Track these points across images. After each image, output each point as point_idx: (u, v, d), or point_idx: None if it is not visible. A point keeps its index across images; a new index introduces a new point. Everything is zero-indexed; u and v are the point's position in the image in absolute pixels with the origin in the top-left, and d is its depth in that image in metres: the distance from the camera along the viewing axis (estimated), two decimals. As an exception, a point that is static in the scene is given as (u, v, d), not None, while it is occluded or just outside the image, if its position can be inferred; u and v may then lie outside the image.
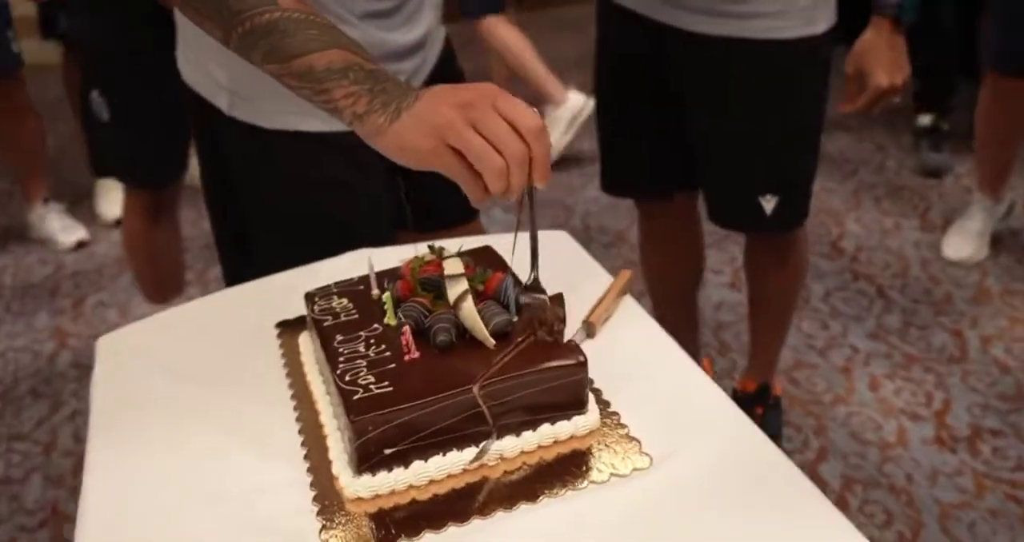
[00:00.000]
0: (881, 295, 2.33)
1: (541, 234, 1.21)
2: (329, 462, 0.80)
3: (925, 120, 2.92)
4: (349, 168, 1.19)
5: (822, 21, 1.43)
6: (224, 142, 1.19)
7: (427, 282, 0.86)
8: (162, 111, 1.79)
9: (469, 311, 0.81)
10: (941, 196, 2.77)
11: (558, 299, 0.92)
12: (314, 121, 1.10)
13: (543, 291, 0.83)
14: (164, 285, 2.15)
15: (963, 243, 2.42)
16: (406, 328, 0.81)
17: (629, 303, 1.00)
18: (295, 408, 0.88)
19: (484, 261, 0.91)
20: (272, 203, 1.21)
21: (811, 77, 1.49)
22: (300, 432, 0.85)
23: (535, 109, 0.74)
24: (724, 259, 2.49)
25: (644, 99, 1.58)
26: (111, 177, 2.18)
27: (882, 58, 1.40)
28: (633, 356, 0.91)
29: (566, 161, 3.17)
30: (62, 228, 2.81)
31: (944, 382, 2.01)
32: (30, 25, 2.78)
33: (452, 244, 0.96)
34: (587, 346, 0.93)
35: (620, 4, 1.51)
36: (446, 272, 0.83)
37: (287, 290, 1.03)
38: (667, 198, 1.73)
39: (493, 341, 0.80)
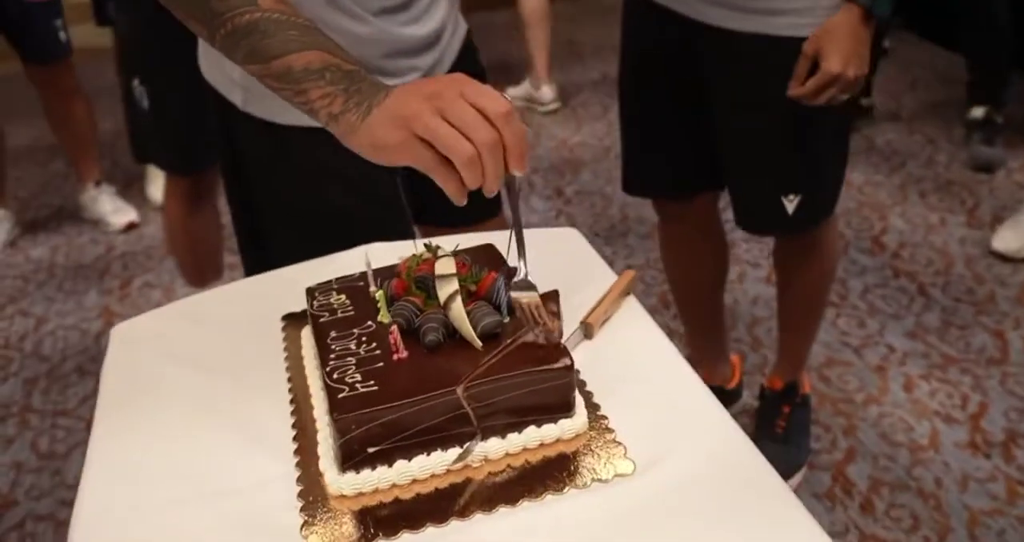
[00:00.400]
0: (922, 293, 2.27)
1: (551, 231, 1.21)
2: (318, 458, 0.81)
3: (978, 113, 2.83)
4: (365, 162, 1.19)
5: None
6: (239, 137, 1.20)
7: (421, 281, 0.86)
8: (199, 99, 1.81)
9: (458, 312, 0.80)
10: (992, 191, 2.68)
11: (552, 296, 0.91)
12: None
13: (532, 287, 0.82)
14: (203, 269, 2.19)
15: (1014, 237, 2.34)
16: (394, 328, 0.81)
17: (631, 304, 0.99)
18: (291, 402, 0.89)
19: (482, 259, 0.91)
20: (288, 199, 1.22)
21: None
22: (294, 426, 0.86)
23: (504, 94, 0.73)
24: (762, 253, 2.45)
25: (667, 95, 1.55)
26: (152, 163, 2.23)
27: (842, 45, 1.30)
28: (629, 359, 0.90)
29: (606, 151, 3.15)
30: (113, 210, 2.89)
31: (982, 384, 1.95)
32: (85, 10, 2.85)
33: (454, 241, 0.96)
34: (584, 347, 0.93)
35: (652, 3, 1.47)
36: (437, 272, 0.83)
37: (298, 282, 1.03)
38: (688, 199, 1.69)
39: (480, 343, 0.80)
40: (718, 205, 1.75)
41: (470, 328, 0.80)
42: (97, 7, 2.97)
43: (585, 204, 2.84)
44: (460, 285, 0.83)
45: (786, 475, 1.61)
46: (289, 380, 0.92)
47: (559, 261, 1.07)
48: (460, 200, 0.75)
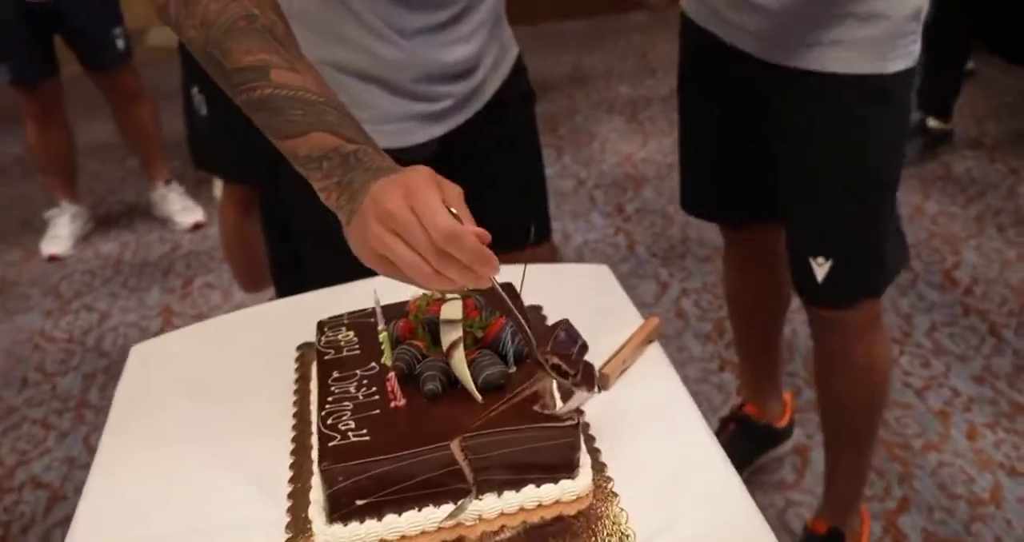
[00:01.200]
0: (993, 334, 2.14)
1: (581, 267, 1.16)
2: (309, 504, 0.78)
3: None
4: None
5: (896, 60, 1.22)
6: (275, 161, 1.19)
7: (428, 323, 0.82)
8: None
9: (459, 361, 0.76)
10: (1077, 228, 2.52)
11: (565, 325, 0.85)
12: None
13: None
14: (257, 276, 2.20)
15: None
16: (391, 375, 0.77)
17: (655, 352, 0.93)
18: (293, 440, 0.86)
19: (496, 301, 0.86)
20: (323, 221, 1.20)
21: (875, 121, 1.25)
22: (291, 467, 0.83)
23: (453, 209, 0.69)
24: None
25: (719, 121, 1.45)
26: (209, 170, 2.26)
27: None
28: (644, 414, 0.85)
29: (670, 168, 3.07)
30: (181, 209, 2.94)
31: (1053, 437, 1.83)
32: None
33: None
34: (599, 398, 0.87)
35: (695, 21, 1.39)
36: (442, 316, 0.79)
37: (321, 309, 1.00)
38: (746, 226, 1.60)
39: (480, 396, 0.76)
40: (781, 236, 1.65)
41: (470, 379, 0.76)
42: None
43: (645, 222, 2.77)
44: (466, 331, 0.79)
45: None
46: (295, 416, 0.89)
47: (585, 301, 1.02)
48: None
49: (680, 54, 1.51)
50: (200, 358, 1.00)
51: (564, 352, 0.73)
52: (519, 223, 1.32)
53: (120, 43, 2.67)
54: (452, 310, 0.80)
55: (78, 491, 1.91)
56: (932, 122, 2.92)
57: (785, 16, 1.22)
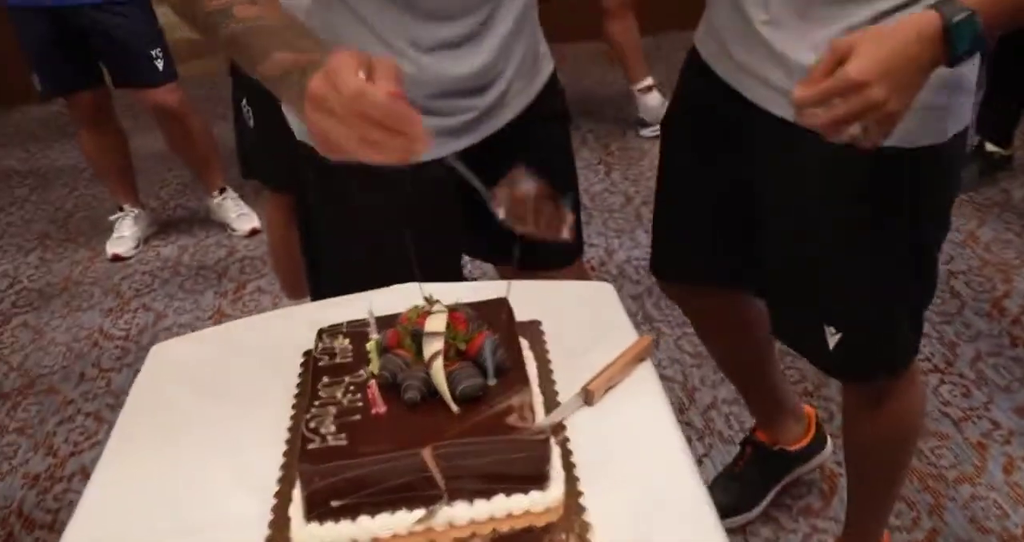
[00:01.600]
0: (1040, 366, 2.07)
1: (586, 284, 1.17)
2: (291, 503, 0.81)
3: None
4: (414, 198, 1.19)
5: (927, 134, 1.07)
6: (301, 166, 1.23)
7: (415, 334, 0.84)
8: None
9: (437, 372, 0.79)
10: None
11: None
12: None
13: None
14: (301, 284, 2.26)
15: None
16: (373, 382, 0.80)
17: (646, 371, 0.94)
18: (287, 442, 0.90)
19: (486, 315, 0.89)
20: (337, 230, 1.24)
21: (898, 193, 1.12)
22: (281, 468, 0.87)
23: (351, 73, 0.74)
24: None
25: (708, 174, 1.29)
26: (256, 179, 2.33)
27: (893, 55, 0.87)
28: (626, 432, 0.86)
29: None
30: (237, 216, 3.03)
31: (1094, 474, 1.76)
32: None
33: (462, 292, 0.94)
34: (583, 414, 0.89)
35: (704, 58, 1.24)
36: (425, 328, 0.82)
37: (332, 317, 1.04)
38: (717, 295, 1.44)
39: (456, 407, 0.78)
40: (746, 306, 1.47)
41: (447, 390, 0.78)
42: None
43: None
44: (450, 343, 0.82)
45: None
46: (291, 419, 0.93)
47: (584, 317, 1.04)
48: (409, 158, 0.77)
49: (677, 87, 1.34)
50: (214, 362, 1.05)
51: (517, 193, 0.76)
52: (547, 243, 1.33)
53: (160, 63, 2.72)
54: (435, 323, 0.82)
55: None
56: (991, 147, 2.85)
57: None
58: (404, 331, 0.85)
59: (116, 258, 2.95)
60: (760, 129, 1.14)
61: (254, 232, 3.03)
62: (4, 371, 2.46)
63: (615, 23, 3.25)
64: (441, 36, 1.11)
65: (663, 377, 2.04)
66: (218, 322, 2.61)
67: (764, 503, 1.75)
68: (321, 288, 1.29)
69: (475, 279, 2.35)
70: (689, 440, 1.89)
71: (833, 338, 1.19)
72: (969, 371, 2.07)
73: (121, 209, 3.02)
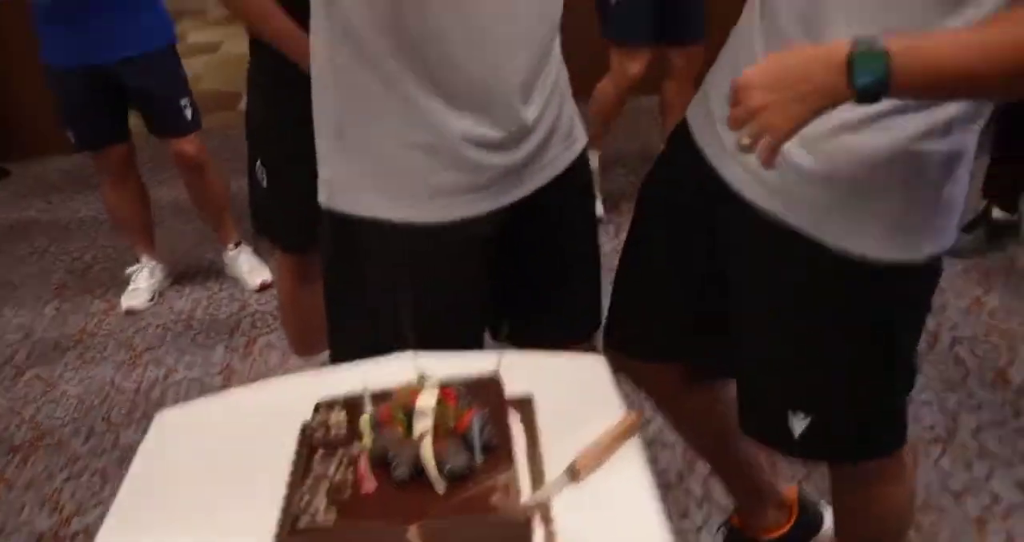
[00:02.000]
0: (1043, 437, 2.07)
1: (576, 357, 1.20)
2: (282, 576, 0.83)
3: None
4: (437, 259, 1.22)
5: (898, 250, 1.07)
6: (325, 230, 1.28)
7: (406, 411, 0.87)
8: (309, 182, 1.92)
9: (426, 450, 0.82)
10: None
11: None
12: (403, 210, 1.17)
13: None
14: (310, 342, 2.30)
15: None
16: (363, 460, 0.83)
17: (632, 449, 0.96)
18: (282, 511, 0.92)
19: (477, 392, 0.92)
20: (352, 290, 1.27)
21: (867, 303, 1.11)
22: (276, 538, 0.89)
23: None
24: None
25: (681, 249, 1.27)
26: (268, 238, 2.38)
27: (782, 69, 0.88)
28: (610, 514, 0.88)
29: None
30: (249, 270, 3.08)
31: (1099, 552, 1.75)
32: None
33: (465, 362, 0.97)
34: (568, 491, 0.91)
35: (693, 134, 1.22)
36: (417, 406, 0.85)
37: (334, 385, 1.06)
38: (674, 371, 1.40)
39: (442, 486, 0.80)
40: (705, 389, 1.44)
41: (434, 469, 0.81)
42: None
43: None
44: (440, 420, 0.84)
45: None
46: (287, 488, 0.95)
47: (575, 390, 1.07)
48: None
49: (662, 154, 1.33)
50: (216, 429, 1.08)
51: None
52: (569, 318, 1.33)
53: (188, 113, 2.83)
54: (426, 399, 0.85)
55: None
56: (997, 212, 2.87)
57: (817, 179, 1.05)
58: (396, 407, 0.88)
59: (130, 312, 3.00)
60: (735, 217, 1.14)
61: (264, 286, 3.07)
62: (16, 423, 2.50)
63: (674, 84, 3.24)
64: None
65: (662, 444, 2.06)
66: (227, 378, 2.64)
67: None
68: (338, 347, 1.31)
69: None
70: (687, 509, 1.91)
71: (800, 424, 1.17)
72: (971, 441, 2.06)
73: (138, 260, 3.08)
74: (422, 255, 1.22)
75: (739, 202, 1.12)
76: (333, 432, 0.91)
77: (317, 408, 0.96)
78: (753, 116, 0.88)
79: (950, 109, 1.00)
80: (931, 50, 0.86)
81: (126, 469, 2.39)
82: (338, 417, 0.94)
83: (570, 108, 1.30)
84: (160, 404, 2.54)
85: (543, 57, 1.18)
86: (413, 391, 0.89)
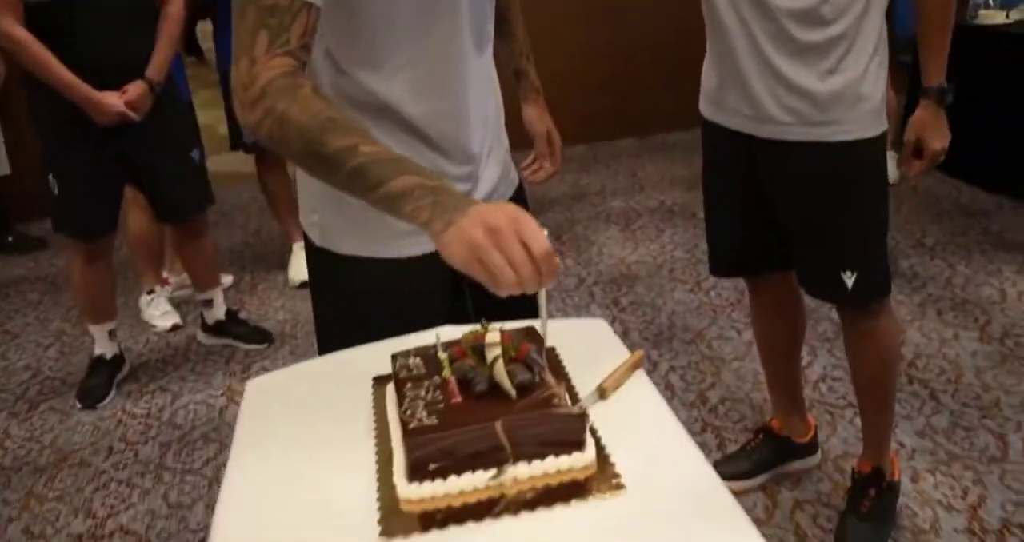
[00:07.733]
0: (933, 398, 2.36)
1: (583, 321, 1.41)
2: (392, 475, 1.01)
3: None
4: (413, 284, 1.34)
5: (873, 128, 1.65)
6: (316, 267, 1.40)
7: (475, 348, 1.07)
8: (93, 183, 2.57)
9: (499, 370, 1.01)
10: (1003, 310, 2.77)
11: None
12: (382, 248, 1.31)
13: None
14: (98, 310, 2.83)
15: None
16: (451, 379, 1.02)
17: (641, 377, 1.18)
18: (376, 436, 1.10)
19: (523, 335, 1.12)
20: (344, 317, 1.39)
21: (870, 172, 1.68)
22: (377, 454, 1.07)
23: (546, 233, 0.93)
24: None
25: (739, 198, 1.82)
26: (63, 234, 2.68)
27: (935, 129, 1.66)
28: (633, 416, 1.09)
29: (659, 267, 3.35)
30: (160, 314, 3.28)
31: (982, 479, 2.03)
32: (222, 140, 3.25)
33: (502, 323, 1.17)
34: (599, 406, 1.12)
35: (716, 122, 1.78)
36: (487, 341, 1.05)
37: (383, 355, 1.25)
38: (765, 277, 1.96)
39: (515, 393, 1.00)
40: (792, 280, 1.92)
41: (508, 382, 1.01)
42: (232, 134, 3.40)
43: (638, 313, 3.03)
44: (503, 351, 1.04)
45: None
46: (375, 421, 1.13)
47: (587, 343, 1.28)
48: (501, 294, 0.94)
49: (702, 147, 1.89)
50: (303, 389, 1.24)
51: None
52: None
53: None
54: (493, 336, 1.05)
55: (159, 537, 2.13)
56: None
57: (823, 100, 1.62)
58: (467, 345, 1.08)
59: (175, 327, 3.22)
60: (767, 152, 1.69)
61: (175, 327, 3.26)
62: (38, 449, 2.55)
63: None
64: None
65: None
66: (230, 398, 2.76)
67: (763, 478, 2.08)
68: (328, 346, 1.41)
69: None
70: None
71: (850, 279, 1.68)
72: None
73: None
74: (401, 279, 1.35)
75: (773, 145, 1.67)
76: (415, 371, 1.10)
77: (394, 358, 1.15)
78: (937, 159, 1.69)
79: (874, 52, 1.61)
80: None
81: (151, 480, 2.50)
82: (415, 361, 1.12)
83: (504, 148, 1.42)
84: (171, 423, 2.63)
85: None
86: (479, 334, 1.08)
